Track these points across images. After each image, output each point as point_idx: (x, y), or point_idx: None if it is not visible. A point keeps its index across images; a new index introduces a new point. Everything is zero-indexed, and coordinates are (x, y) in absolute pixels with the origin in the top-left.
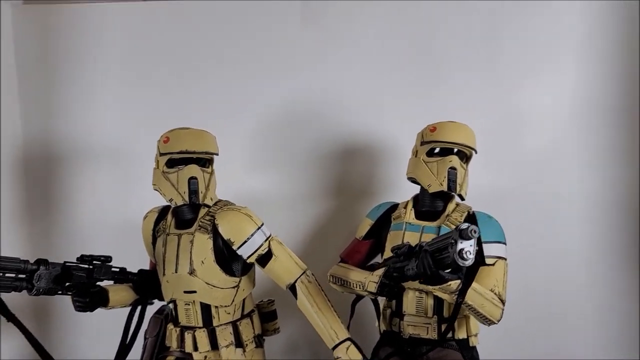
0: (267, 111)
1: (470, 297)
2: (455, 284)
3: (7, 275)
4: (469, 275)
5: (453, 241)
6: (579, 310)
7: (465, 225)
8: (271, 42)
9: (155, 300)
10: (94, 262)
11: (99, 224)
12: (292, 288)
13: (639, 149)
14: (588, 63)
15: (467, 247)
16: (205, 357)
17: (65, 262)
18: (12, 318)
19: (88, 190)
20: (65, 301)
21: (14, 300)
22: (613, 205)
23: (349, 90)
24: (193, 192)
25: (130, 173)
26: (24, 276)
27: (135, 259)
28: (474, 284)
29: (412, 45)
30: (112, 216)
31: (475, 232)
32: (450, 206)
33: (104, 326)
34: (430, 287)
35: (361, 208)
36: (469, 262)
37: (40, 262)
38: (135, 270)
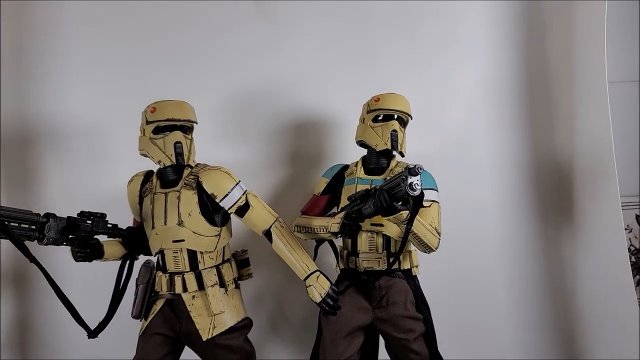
0: (230, 91)
1: (415, 226)
2: (405, 213)
3: (22, 225)
4: (415, 208)
5: (404, 177)
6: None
7: (413, 165)
8: (232, 33)
9: (140, 256)
10: (92, 217)
11: (74, 197)
12: (268, 233)
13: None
14: (498, 48)
15: (415, 180)
16: (193, 296)
17: (69, 216)
18: (33, 260)
19: (62, 165)
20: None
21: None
22: (516, 168)
23: (300, 73)
24: (179, 154)
25: (101, 148)
26: (35, 227)
27: None
28: (417, 217)
29: (351, 37)
30: (85, 189)
31: (421, 169)
32: (393, 163)
33: (93, 281)
34: (385, 219)
35: (313, 174)
36: (417, 192)
37: (49, 215)
38: None
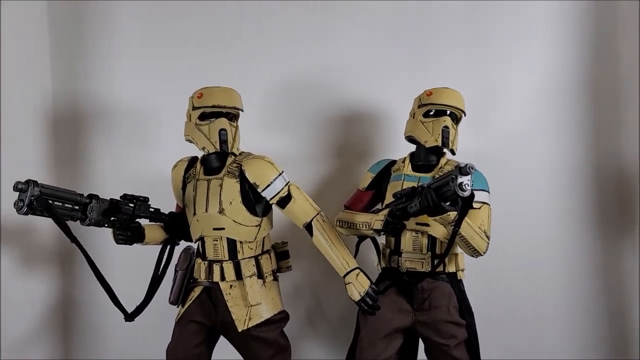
0: (278, 79)
1: (463, 228)
2: (453, 214)
3: (66, 205)
4: (464, 209)
5: (454, 176)
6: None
7: (464, 163)
8: (285, 20)
9: (181, 242)
10: (135, 200)
11: (121, 178)
12: (308, 227)
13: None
14: (561, 46)
15: (466, 180)
16: (231, 285)
17: (111, 198)
18: (74, 240)
19: (110, 146)
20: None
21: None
22: (575, 171)
23: (350, 63)
24: (223, 141)
25: (148, 130)
26: (78, 207)
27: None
28: (466, 219)
29: (406, 25)
30: (133, 170)
31: (472, 168)
32: (443, 160)
33: (133, 265)
34: (431, 219)
35: (359, 168)
36: (467, 193)
37: (92, 196)
38: None
